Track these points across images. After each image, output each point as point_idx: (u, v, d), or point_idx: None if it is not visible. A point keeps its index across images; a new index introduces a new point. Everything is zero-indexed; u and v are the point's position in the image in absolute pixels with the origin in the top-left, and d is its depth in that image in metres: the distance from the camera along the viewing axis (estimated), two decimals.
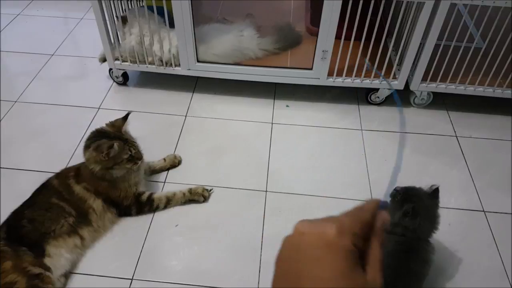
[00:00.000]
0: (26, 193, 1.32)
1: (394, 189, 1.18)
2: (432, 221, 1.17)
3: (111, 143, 1.26)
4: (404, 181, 1.19)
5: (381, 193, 1.15)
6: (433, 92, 1.80)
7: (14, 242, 1.20)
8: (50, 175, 1.39)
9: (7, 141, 1.66)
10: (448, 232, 1.35)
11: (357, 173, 1.58)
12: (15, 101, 1.84)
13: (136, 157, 1.34)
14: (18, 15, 2.41)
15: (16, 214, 1.27)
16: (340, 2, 1.51)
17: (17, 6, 2.48)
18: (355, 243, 0.35)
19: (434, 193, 1.19)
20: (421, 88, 1.78)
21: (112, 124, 1.36)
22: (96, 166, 1.29)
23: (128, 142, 1.33)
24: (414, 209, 1.12)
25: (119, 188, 1.35)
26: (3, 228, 1.24)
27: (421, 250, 1.15)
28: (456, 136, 1.75)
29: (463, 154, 1.67)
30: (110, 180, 1.33)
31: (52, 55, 2.12)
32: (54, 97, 1.87)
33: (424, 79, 1.75)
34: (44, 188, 1.33)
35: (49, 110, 1.81)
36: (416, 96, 1.83)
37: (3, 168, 1.55)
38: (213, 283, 1.23)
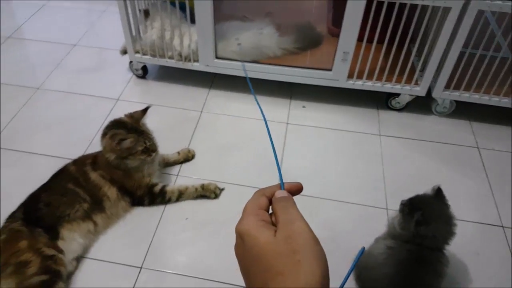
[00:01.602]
0: (43, 177, 1.43)
1: (400, 203, 1.21)
2: (448, 222, 1.17)
3: (125, 136, 1.35)
4: (421, 190, 1.22)
5: (398, 200, 1.20)
6: (455, 101, 1.83)
7: (30, 223, 1.29)
8: (68, 161, 1.49)
9: (27, 127, 1.78)
10: (463, 245, 1.36)
11: (373, 179, 1.62)
12: (37, 88, 1.96)
13: (150, 149, 1.42)
14: (44, 5, 2.55)
15: (33, 197, 1.37)
16: (364, 3, 1.55)
17: None
18: (260, 218, 0.44)
19: (437, 194, 1.21)
20: (444, 96, 1.81)
21: (131, 115, 1.45)
22: (111, 155, 1.38)
23: (144, 134, 1.41)
24: (424, 215, 1.15)
25: (133, 177, 1.44)
26: (20, 209, 1.34)
27: (435, 262, 1.16)
28: (478, 148, 1.76)
29: (484, 166, 1.69)
30: (125, 170, 1.42)
31: (75, 45, 2.24)
32: (74, 86, 1.98)
33: (447, 86, 1.78)
34: (61, 174, 1.43)
35: (69, 99, 1.92)
36: (438, 104, 1.85)
37: (22, 151, 1.66)
38: (219, 278, 1.30)
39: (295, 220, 0.43)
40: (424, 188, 1.23)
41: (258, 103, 0.56)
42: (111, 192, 1.42)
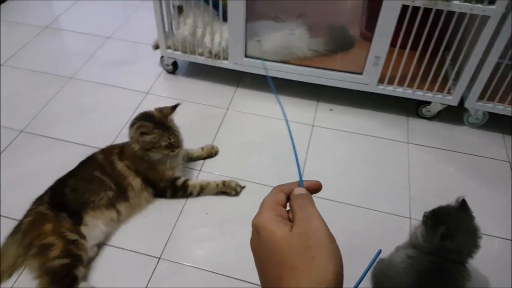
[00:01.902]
0: (71, 164, 1.47)
1: (423, 215, 1.19)
2: (473, 234, 1.15)
3: (150, 131, 1.39)
4: (446, 201, 1.20)
5: (422, 210, 1.18)
6: (489, 112, 1.78)
7: (56, 207, 1.34)
8: (95, 150, 1.54)
9: (59, 114, 1.84)
10: (486, 260, 1.32)
11: (398, 187, 1.59)
12: (70, 78, 2.03)
13: (174, 145, 1.44)
14: None
15: (61, 182, 1.42)
16: (399, 9, 1.54)
17: None
18: (277, 213, 0.45)
19: (462, 205, 1.18)
20: (477, 106, 1.76)
21: (160, 110, 1.48)
22: (136, 146, 1.42)
23: (169, 130, 1.43)
24: (449, 229, 1.12)
25: (157, 170, 1.47)
26: (47, 193, 1.39)
27: (457, 275, 1.13)
28: (510, 162, 1.71)
29: None
30: (149, 161, 1.45)
31: (109, 38, 2.30)
32: (106, 78, 2.03)
33: (481, 97, 1.73)
34: (89, 161, 1.48)
35: (100, 90, 1.98)
36: (470, 115, 1.81)
37: (53, 138, 1.72)
38: (235, 275, 1.31)
39: (312, 217, 0.44)
40: (449, 199, 1.21)
41: (278, 99, 0.57)
42: (135, 182, 1.45)
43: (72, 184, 1.39)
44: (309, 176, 1.59)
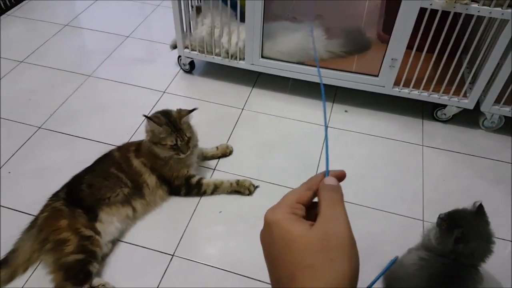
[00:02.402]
0: (88, 161, 1.46)
1: (438, 217, 1.16)
2: (487, 240, 1.13)
3: (160, 123, 1.38)
4: (459, 205, 1.16)
5: (435, 213, 1.15)
6: (505, 116, 1.73)
7: (71, 203, 1.33)
8: (112, 147, 1.53)
9: (77, 111, 1.84)
10: (500, 265, 1.30)
11: (412, 190, 1.56)
12: (89, 76, 2.03)
13: (180, 149, 1.40)
14: None
15: (77, 178, 1.41)
16: (417, 11, 1.50)
17: None
18: (293, 210, 0.43)
19: (479, 210, 1.15)
20: (493, 110, 1.72)
21: (178, 111, 1.45)
22: (147, 136, 1.42)
23: (179, 132, 1.40)
24: (464, 233, 1.10)
25: (172, 167, 1.45)
26: (63, 189, 1.38)
27: (469, 278, 1.11)
28: None
29: None
30: (163, 159, 1.43)
31: (127, 37, 2.30)
32: (124, 76, 2.03)
33: (497, 101, 1.68)
34: (106, 158, 1.47)
35: (118, 88, 1.97)
36: (486, 118, 1.76)
37: (70, 135, 1.73)
38: (247, 273, 1.29)
39: (338, 218, 0.41)
40: (463, 202, 1.17)
41: (324, 107, 0.55)
42: (150, 179, 1.44)
43: (88, 180, 1.38)
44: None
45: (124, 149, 1.49)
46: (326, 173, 0.47)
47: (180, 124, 1.41)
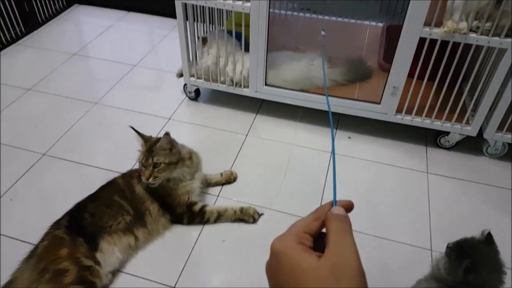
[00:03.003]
0: (91, 188, 1.42)
1: (447, 246, 1.12)
2: (498, 270, 1.07)
3: (142, 136, 1.40)
4: (467, 233, 1.11)
5: (442, 242, 1.11)
6: (509, 143, 1.70)
7: (73, 232, 1.27)
8: (116, 174, 1.49)
9: (83, 138, 1.81)
10: None
11: (418, 217, 1.50)
12: (95, 103, 2.02)
13: (143, 171, 1.34)
14: (110, 26, 2.66)
15: (80, 206, 1.36)
16: (416, 41, 1.49)
17: (111, 18, 2.74)
18: (300, 240, 0.42)
19: (488, 239, 1.10)
20: (496, 137, 1.68)
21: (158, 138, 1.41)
22: None
23: (149, 153, 1.35)
24: (473, 263, 1.05)
25: (173, 194, 1.41)
26: (66, 217, 1.33)
27: None
28: None
29: None
30: (163, 184, 1.39)
31: (135, 65, 2.31)
32: (130, 104, 2.01)
33: (500, 128, 1.65)
34: (109, 185, 1.42)
35: (124, 115, 1.95)
36: (489, 145, 1.73)
37: (75, 162, 1.70)
38: None
39: (347, 248, 0.40)
40: (470, 231, 1.11)
41: (332, 135, 0.53)
42: (153, 207, 1.39)
43: (91, 208, 1.33)
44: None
45: (128, 175, 1.45)
46: (334, 203, 0.45)
47: (154, 147, 1.35)
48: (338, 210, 0.44)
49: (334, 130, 1.88)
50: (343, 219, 0.43)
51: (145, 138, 1.39)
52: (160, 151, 1.35)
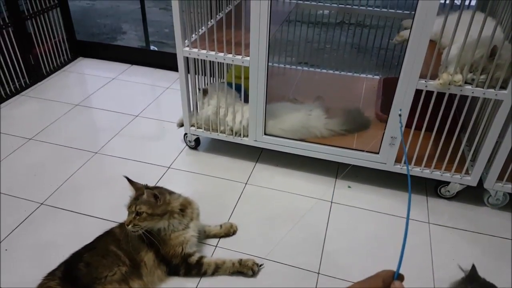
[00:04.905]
0: (89, 238, 1.38)
1: None
2: None
3: (134, 185, 1.38)
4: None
5: None
6: (509, 194, 1.67)
7: (67, 283, 1.22)
8: (114, 224, 1.45)
9: (82, 187, 1.78)
10: None
11: (420, 268, 1.45)
12: (96, 152, 2.01)
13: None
14: (113, 78, 2.72)
15: (75, 256, 1.32)
16: (413, 93, 1.52)
17: (114, 71, 2.81)
18: None
19: (472, 272, 1.06)
20: (496, 187, 1.66)
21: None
22: None
23: (134, 201, 1.34)
24: None
25: (167, 244, 1.36)
26: (60, 268, 1.28)
27: None
28: None
29: None
30: (157, 234, 1.35)
31: (137, 116, 2.33)
32: (130, 153, 2.01)
33: (500, 178, 1.64)
34: (106, 235, 1.38)
35: (123, 164, 1.94)
36: (490, 196, 1.70)
37: (73, 212, 1.65)
38: None
39: None
40: None
41: (409, 197, 0.55)
42: (148, 257, 1.34)
43: (87, 258, 1.28)
44: (330, 255, 1.48)
45: (124, 225, 1.41)
46: (396, 275, 0.49)
47: (141, 196, 1.33)
48: (399, 285, 0.47)
49: (334, 179, 1.86)
50: None
51: (136, 187, 1.37)
52: (145, 201, 1.33)
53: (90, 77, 2.76)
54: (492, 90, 1.45)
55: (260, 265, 1.42)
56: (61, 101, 2.44)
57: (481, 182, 1.68)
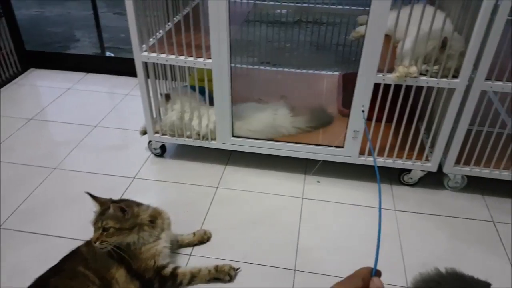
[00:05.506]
0: (53, 260, 1.28)
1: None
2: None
3: (97, 200, 1.31)
4: (441, 266, 1.11)
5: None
6: (467, 176, 1.75)
7: None
8: (81, 242, 1.37)
9: (42, 207, 1.67)
10: None
11: (391, 256, 1.48)
12: (54, 168, 1.89)
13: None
14: (68, 89, 2.58)
15: (41, 281, 1.22)
16: (372, 87, 1.55)
17: (69, 80, 2.66)
18: None
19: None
20: (455, 171, 1.73)
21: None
22: None
23: (99, 217, 1.28)
24: None
25: (138, 258, 1.29)
26: None
27: None
28: (493, 222, 1.65)
29: (501, 240, 1.56)
30: (127, 249, 1.29)
31: (95, 126, 2.22)
32: (92, 166, 1.90)
33: (457, 162, 1.70)
34: (72, 255, 1.29)
35: (85, 178, 1.83)
36: (449, 179, 1.77)
37: (34, 233, 1.55)
38: None
39: None
40: (443, 265, 1.12)
41: (379, 190, 0.54)
42: (119, 274, 1.26)
43: (54, 283, 1.19)
44: (304, 250, 1.48)
45: (91, 243, 1.33)
46: (374, 272, 0.48)
47: (107, 211, 1.27)
48: (378, 283, 0.46)
49: (303, 175, 1.86)
50: None
51: (101, 202, 1.29)
52: (111, 215, 1.26)
53: (44, 88, 2.61)
54: (445, 79, 1.50)
55: (237, 269, 1.39)
56: (13, 116, 2.28)
57: (440, 167, 1.74)
